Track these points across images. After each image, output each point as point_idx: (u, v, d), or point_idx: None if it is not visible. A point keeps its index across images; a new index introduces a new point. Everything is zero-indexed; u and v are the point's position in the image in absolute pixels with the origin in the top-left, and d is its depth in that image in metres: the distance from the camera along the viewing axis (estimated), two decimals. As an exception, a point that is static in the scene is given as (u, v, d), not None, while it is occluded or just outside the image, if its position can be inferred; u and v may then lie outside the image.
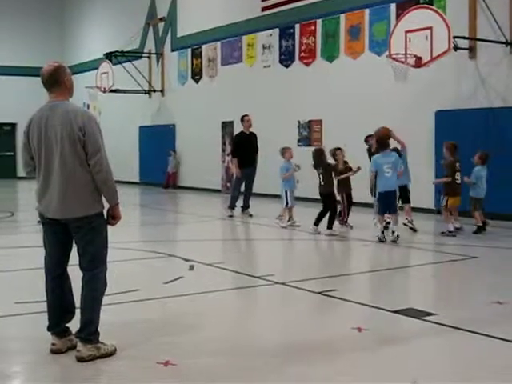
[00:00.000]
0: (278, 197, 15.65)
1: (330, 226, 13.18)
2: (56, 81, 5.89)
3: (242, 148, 16.75)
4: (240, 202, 16.79)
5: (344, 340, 6.48)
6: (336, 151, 13.99)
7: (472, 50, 16.33)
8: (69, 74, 6.01)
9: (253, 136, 17.24)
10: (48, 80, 5.90)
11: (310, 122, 20.91)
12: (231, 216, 16.36)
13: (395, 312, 7.39)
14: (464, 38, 15.79)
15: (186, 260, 10.53)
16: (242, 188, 16.89)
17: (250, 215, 16.31)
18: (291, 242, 12.94)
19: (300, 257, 11.59)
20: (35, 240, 8.78)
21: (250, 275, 9.60)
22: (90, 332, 5.80)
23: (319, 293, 8.36)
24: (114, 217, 5.98)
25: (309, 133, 20.90)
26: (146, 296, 8.19)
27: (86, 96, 27.89)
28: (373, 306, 7.71)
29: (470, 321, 7.02)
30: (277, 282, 9.02)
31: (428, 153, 16.95)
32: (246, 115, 17.44)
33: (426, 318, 7.10)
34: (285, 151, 14.81)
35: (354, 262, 11.15)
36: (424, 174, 15.88)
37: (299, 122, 21.25)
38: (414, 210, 15.68)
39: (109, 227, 6.02)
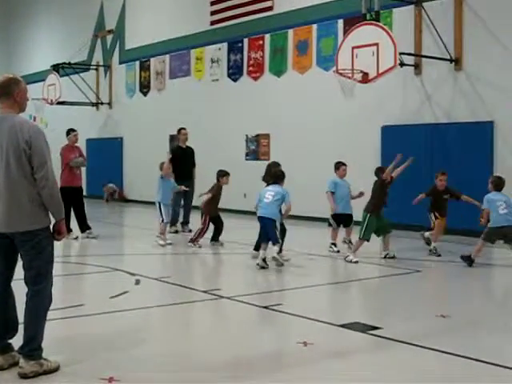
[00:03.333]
0: (224, 210, 15.65)
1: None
2: (6, 93, 5.82)
3: (178, 162, 16.18)
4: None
5: (290, 354, 6.50)
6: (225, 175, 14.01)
7: (417, 67, 16.59)
8: (22, 88, 5.91)
9: (189, 150, 16.99)
10: None
11: (257, 136, 20.99)
12: (176, 232, 16.24)
13: (341, 326, 7.44)
14: (410, 54, 16.04)
15: (132, 274, 10.46)
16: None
17: (190, 230, 16.16)
18: (237, 256, 12.92)
19: (246, 272, 11.58)
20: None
21: (196, 289, 9.58)
22: (32, 348, 5.71)
23: (265, 307, 8.37)
24: (59, 232, 5.91)
25: (256, 147, 20.96)
26: (91, 311, 8.10)
27: (33, 108, 27.55)
28: (319, 320, 7.72)
29: (414, 334, 7.09)
30: (223, 297, 9.01)
31: (374, 167, 17.09)
32: (183, 128, 17.15)
33: (371, 332, 7.15)
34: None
35: (300, 276, 11.18)
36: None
37: (247, 136, 21.32)
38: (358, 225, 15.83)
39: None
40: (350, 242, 13.53)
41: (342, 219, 13.55)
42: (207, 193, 13.75)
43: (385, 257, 12.49)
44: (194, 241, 13.78)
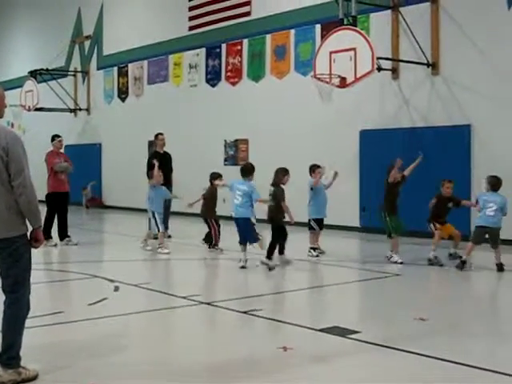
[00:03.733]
0: (194, 215, 15.71)
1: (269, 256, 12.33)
2: (-20, 99, 5.81)
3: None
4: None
5: (270, 360, 6.48)
6: (218, 177, 14.15)
7: (395, 71, 16.69)
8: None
9: (167, 155, 16.90)
10: None
11: (236, 141, 21.00)
12: (155, 238, 16.17)
13: (320, 330, 7.44)
14: (387, 59, 16.11)
15: (111, 281, 10.43)
16: None
17: (169, 236, 16.11)
18: (216, 261, 12.91)
19: (226, 277, 11.59)
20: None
21: (175, 295, 9.56)
22: (10, 356, 5.67)
23: (245, 312, 8.36)
24: (36, 239, 5.88)
25: (235, 152, 20.97)
26: (70, 318, 8.08)
27: (10, 114, 27.42)
28: (298, 325, 7.73)
29: (394, 338, 7.11)
30: (202, 302, 9.00)
31: (353, 171, 17.18)
32: (161, 133, 17.05)
33: (350, 336, 7.16)
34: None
35: (280, 281, 11.19)
36: (349, 193, 16.07)
37: (226, 141, 21.33)
38: (341, 228, 15.85)
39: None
40: (318, 248, 13.57)
41: (320, 223, 13.60)
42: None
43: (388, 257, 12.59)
44: (214, 246, 13.76)
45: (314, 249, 13.39)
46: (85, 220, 22.81)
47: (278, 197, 12.18)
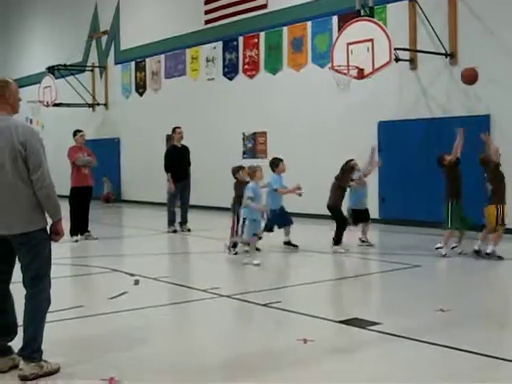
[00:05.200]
0: (213, 209, 15.64)
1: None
2: (-3, 95, 5.83)
3: (174, 162, 16.36)
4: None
5: (290, 352, 6.48)
6: (239, 170, 12.88)
7: (413, 62, 16.59)
8: (14, 90, 5.92)
9: (185, 149, 16.87)
10: None
11: (254, 134, 20.98)
12: (175, 231, 16.22)
13: (340, 322, 7.44)
14: (405, 49, 16.03)
15: (131, 275, 10.46)
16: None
17: (189, 230, 16.09)
18: (235, 254, 12.90)
19: (245, 269, 11.58)
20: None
21: (195, 288, 9.58)
22: (32, 350, 5.71)
23: (264, 305, 8.36)
24: (57, 233, 5.91)
25: (253, 145, 20.95)
26: (90, 312, 8.11)
27: (29, 110, 27.54)
28: (318, 317, 7.72)
29: (414, 329, 7.09)
30: (222, 295, 9.01)
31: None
32: (178, 127, 17.01)
33: (371, 328, 7.15)
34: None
35: (299, 273, 11.17)
36: (368, 184, 15.99)
37: (244, 134, 21.31)
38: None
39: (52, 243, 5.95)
40: (366, 240, 13.42)
41: (357, 215, 13.39)
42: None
43: (460, 253, 12.10)
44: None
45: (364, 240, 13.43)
46: (103, 214, 22.86)
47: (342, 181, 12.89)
